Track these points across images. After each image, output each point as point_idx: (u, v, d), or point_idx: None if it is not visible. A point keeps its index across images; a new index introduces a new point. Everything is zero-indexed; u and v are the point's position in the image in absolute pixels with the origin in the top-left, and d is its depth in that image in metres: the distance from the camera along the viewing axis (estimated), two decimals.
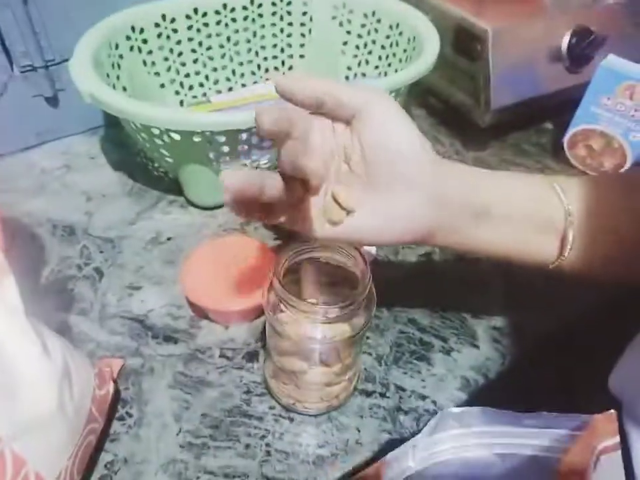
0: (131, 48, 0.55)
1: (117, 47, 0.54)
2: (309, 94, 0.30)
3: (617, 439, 0.22)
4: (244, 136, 0.46)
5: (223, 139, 0.46)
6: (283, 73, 0.66)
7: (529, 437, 0.24)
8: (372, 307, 0.33)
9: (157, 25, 0.57)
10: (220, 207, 0.53)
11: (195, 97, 0.62)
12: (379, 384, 0.40)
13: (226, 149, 0.47)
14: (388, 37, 0.60)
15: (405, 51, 0.58)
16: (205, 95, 0.63)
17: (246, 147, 0.47)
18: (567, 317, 0.46)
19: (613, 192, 0.36)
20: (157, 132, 0.46)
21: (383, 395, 0.39)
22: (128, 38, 0.55)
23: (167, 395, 0.38)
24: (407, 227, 0.32)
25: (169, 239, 0.50)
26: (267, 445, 0.36)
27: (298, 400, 0.37)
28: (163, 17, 0.57)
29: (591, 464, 0.22)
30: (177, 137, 0.46)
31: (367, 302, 0.33)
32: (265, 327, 0.42)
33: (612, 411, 0.23)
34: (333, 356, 0.34)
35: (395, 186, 0.31)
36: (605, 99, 0.56)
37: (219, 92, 0.63)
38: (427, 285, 0.47)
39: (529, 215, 0.34)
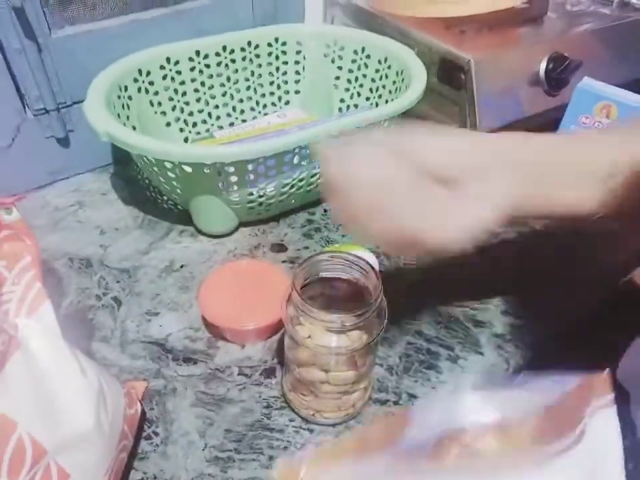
0: (139, 89, 0.59)
1: (125, 89, 0.57)
2: None
3: (611, 396, 0.25)
4: (251, 166, 0.49)
5: (231, 169, 0.49)
6: (280, 108, 0.70)
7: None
8: (384, 316, 0.36)
9: (162, 67, 0.60)
10: (229, 234, 0.56)
11: (198, 133, 0.66)
12: (392, 393, 0.42)
13: (234, 178, 0.50)
14: (377, 70, 0.65)
15: (394, 82, 0.63)
16: (208, 130, 0.66)
17: (252, 176, 0.50)
18: (565, 324, 0.48)
19: None
20: (169, 165, 0.49)
21: (396, 403, 0.41)
22: (135, 80, 0.59)
23: (191, 413, 0.40)
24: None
25: (181, 266, 0.52)
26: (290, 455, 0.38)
27: (317, 410, 0.39)
28: (168, 59, 0.60)
29: (587, 413, 0.25)
30: (188, 169, 0.49)
31: (379, 311, 0.35)
32: (279, 345, 0.45)
33: (607, 370, 0.26)
34: (349, 364, 0.37)
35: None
36: (584, 118, 0.60)
37: (221, 127, 0.67)
38: (431, 297, 0.50)
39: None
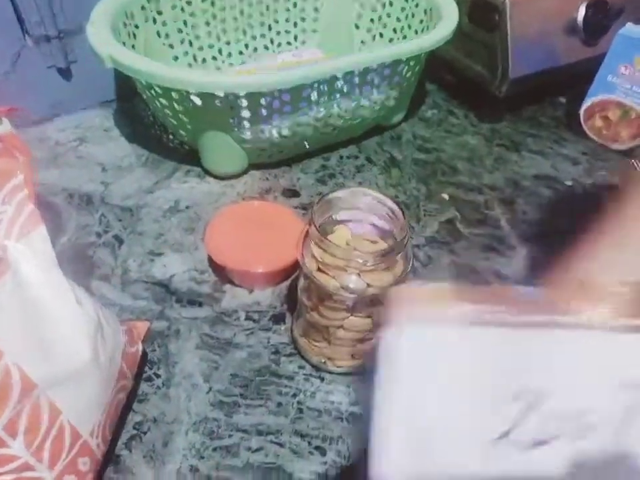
0: (146, 19, 0.55)
1: (132, 16, 0.53)
2: None
3: None
4: (265, 100, 0.46)
5: (244, 103, 0.45)
6: (296, 47, 0.66)
7: None
8: (409, 259, 0.33)
9: None
10: (238, 176, 0.53)
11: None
12: None
13: (247, 113, 0.46)
14: (403, 9, 0.60)
15: (421, 22, 0.58)
16: (218, 68, 0.62)
17: (266, 111, 0.47)
18: None
19: None
20: (177, 97, 0.45)
21: None
22: (143, 8, 0.54)
23: (195, 356, 0.38)
24: None
25: (187, 207, 0.49)
26: (299, 403, 0.36)
27: (329, 358, 0.37)
28: None
29: None
30: (198, 101, 0.45)
31: (404, 254, 0.32)
32: (290, 291, 0.42)
33: None
34: (367, 309, 0.34)
35: None
36: (623, 68, 0.56)
37: (232, 65, 0.63)
38: (451, 250, 0.47)
39: None
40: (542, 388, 0.21)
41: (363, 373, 0.33)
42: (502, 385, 0.21)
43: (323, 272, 0.32)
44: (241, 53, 0.63)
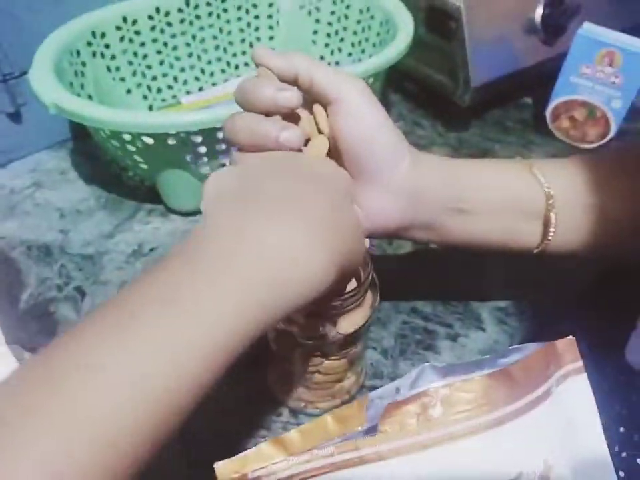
0: (94, 54, 0.53)
1: (78, 54, 0.51)
2: (287, 67, 0.28)
3: (579, 363, 0.24)
4: (221, 134, 0.44)
5: (199, 139, 0.44)
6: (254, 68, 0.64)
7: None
8: (376, 294, 0.32)
9: (119, 28, 0.54)
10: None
11: (164, 100, 0.60)
12: (388, 378, 0.38)
13: (203, 149, 0.45)
14: (359, 22, 0.59)
15: (378, 34, 0.57)
16: (174, 97, 0.60)
17: (224, 145, 0.45)
18: (570, 292, 0.45)
19: (596, 171, 0.34)
20: (128, 138, 0.43)
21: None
22: (89, 44, 0.52)
23: None
24: (379, 221, 0.31)
25: (151, 249, 0.48)
26: None
27: (309, 401, 0.35)
28: (124, 19, 0.54)
29: (553, 381, 0.23)
30: (149, 141, 0.43)
31: (372, 289, 0.31)
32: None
33: (571, 336, 0.24)
34: (341, 351, 0.33)
35: (370, 178, 0.30)
36: (585, 68, 0.55)
37: (189, 93, 0.61)
38: (426, 272, 0.46)
39: (508, 202, 0.33)
40: None
41: None
42: None
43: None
44: (197, 79, 0.61)
